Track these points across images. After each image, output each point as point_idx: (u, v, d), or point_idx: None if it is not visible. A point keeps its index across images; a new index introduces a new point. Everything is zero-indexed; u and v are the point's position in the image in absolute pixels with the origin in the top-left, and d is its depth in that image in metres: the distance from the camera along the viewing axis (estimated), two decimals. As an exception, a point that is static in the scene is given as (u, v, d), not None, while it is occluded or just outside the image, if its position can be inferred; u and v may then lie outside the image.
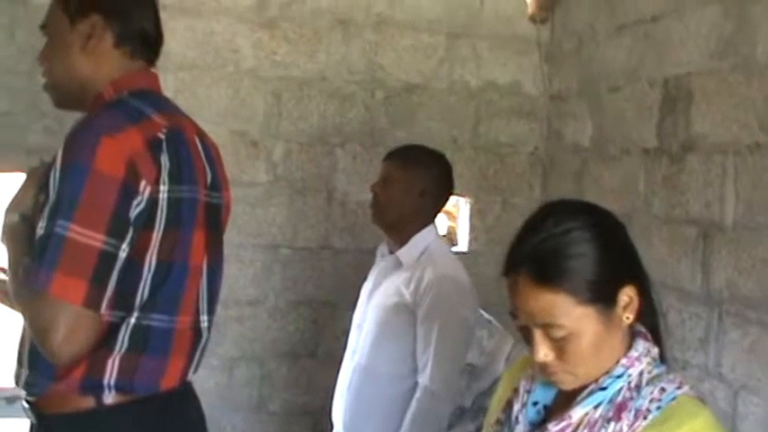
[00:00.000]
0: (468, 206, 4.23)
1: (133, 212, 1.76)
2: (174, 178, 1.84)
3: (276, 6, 4.02)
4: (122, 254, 1.75)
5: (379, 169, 3.02)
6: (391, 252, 2.96)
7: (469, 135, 4.19)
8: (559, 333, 1.46)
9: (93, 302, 1.72)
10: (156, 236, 1.81)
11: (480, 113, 4.21)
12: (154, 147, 1.81)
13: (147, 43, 2.01)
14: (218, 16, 3.97)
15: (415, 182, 2.88)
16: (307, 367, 4.07)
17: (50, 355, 1.75)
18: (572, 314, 1.45)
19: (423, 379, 2.75)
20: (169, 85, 3.75)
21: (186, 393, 2.00)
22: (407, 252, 2.88)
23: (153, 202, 1.79)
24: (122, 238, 1.74)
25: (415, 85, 4.13)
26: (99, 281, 1.72)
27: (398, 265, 2.90)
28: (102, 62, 1.95)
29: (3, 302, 1.99)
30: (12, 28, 3.91)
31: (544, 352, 1.48)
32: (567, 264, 1.46)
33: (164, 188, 1.81)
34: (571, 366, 1.49)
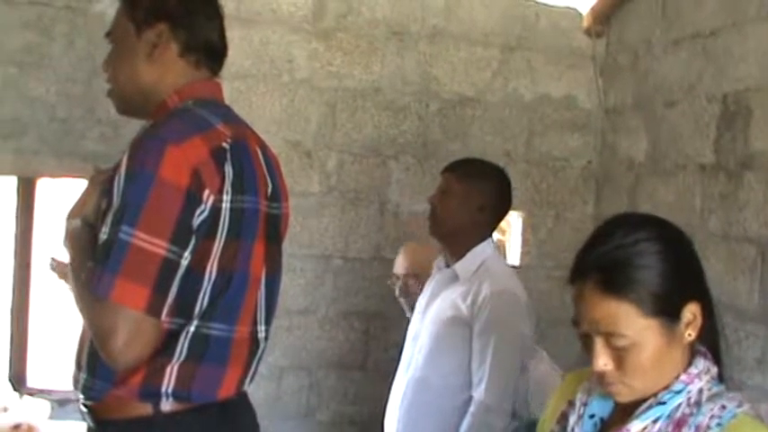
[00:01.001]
0: (520, 220, 4.20)
1: (196, 221, 1.77)
2: (237, 188, 1.84)
3: (332, 17, 4.04)
4: (184, 262, 1.76)
5: (434, 181, 3.01)
6: (448, 265, 2.95)
7: (523, 148, 4.18)
8: (621, 343, 1.45)
9: (154, 309, 1.73)
10: (218, 245, 1.82)
11: (534, 127, 4.19)
12: (218, 156, 1.82)
13: (212, 54, 2.02)
14: (274, 26, 4.00)
15: (474, 195, 2.86)
16: (355, 378, 4.07)
17: (109, 360, 1.75)
18: (635, 325, 1.45)
19: (477, 393, 2.73)
20: (224, 94, 3.79)
21: (242, 403, 2.01)
22: (464, 265, 2.86)
23: (216, 211, 1.80)
24: (185, 247, 1.75)
25: (468, 97, 4.12)
26: (161, 288, 1.73)
27: (455, 278, 2.88)
28: (167, 71, 1.96)
29: (67, 283, 1.99)
30: (71, 36, 3.98)
31: (604, 361, 1.48)
32: (635, 274, 1.46)
33: (226, 198, 1.82)
34: (629, 378, 1.48)
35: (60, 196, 4.26)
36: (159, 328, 1.77)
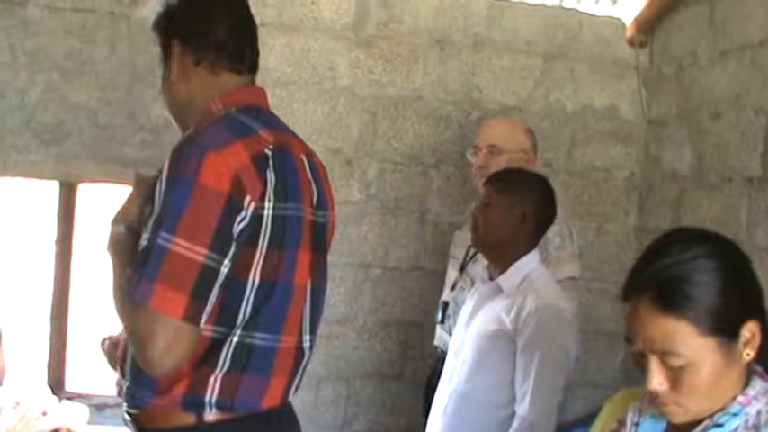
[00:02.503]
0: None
1: (237, 228, 1.76)
2: (280, 195, 1.83)
3: (374, 25, 4.03)
4: (224, 269, 1.75)
5: (474, 191, 2.98)
6: (491, 278, 2.91)
7: (564, 159, 4.14)
8: (677, 362, 1.42)
9: (192, 316, 1.72)
10: (260, 253, 1.81)
11: (576, 137, 4.15)
12: (260, 163, 1.81)
13: (226, 54, 2.01)
14: (316, 34, 4.00)
15: (516, 207, 2.82)
16: (392, 388, 4.04)
17: (147, 367, 1.75)
18: (692, 344, 1.41)
19: (521, 410, 2.68)
20: (266, 101, 3.82)
21: (286, 413, 1.99)
22: (508, 278, 2.81)
23: (257, 218, 1.79)
24: (225, 254, 1.74)
25: (510, 106, 4.09)
26: (199, 295, 1.72)
27: (498, 291, 2.83)
28: (193, 83, 2.00)
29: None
30: (113, 42, 4.00)
31: (659, 380, 1.44)
32: (692, 291, 1.42)
33: (269, 205, 1.81)
34: (684, 398, 1.45)
35: (101, 201, 4.30)
36: (198, 335, 1.75)
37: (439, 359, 3.53)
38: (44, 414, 3.95)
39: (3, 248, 5.94)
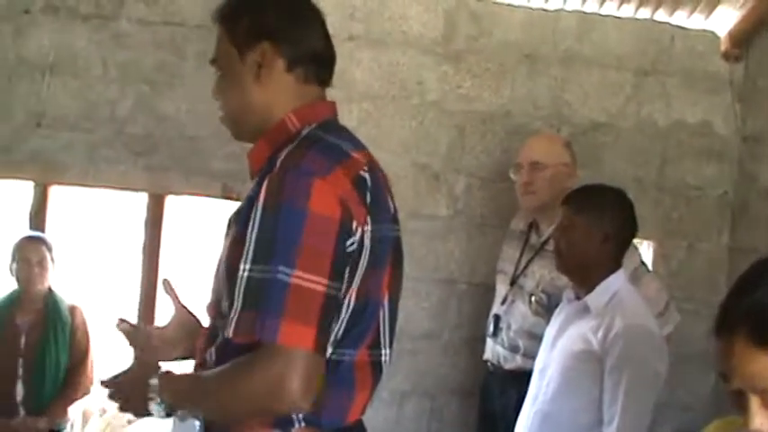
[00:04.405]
0: (651, 250, 4.07)
1: (348, 253, 1.75)
2: (375, 217, 1.80)
3: (462, 39, 4.00)
4: (340, 295, 1.73)
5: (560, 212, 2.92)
6: (577, 298, 2.86)
7: (655, 176, 4.05)
8: None
9: (320, 347, 1.69)
10: (359, 275, 1.79)
11: (668, 154, 4.06)
12: (359, 186, 1.78)
13: (320, 63, 1.96)
14: (405, 48, 3.98)
15: (597, 227, 2.77)
16: (476, 405, 3.99)
17: (290, 406, 1.69)
18: None
19: None
20: (353, 115, 3.82)
21: (360, 428, 1.97)
22: (596, 298, 2.76)
23: (361, 242, 1.76)
24: (341, 280, 1.72)
25: (600, 122, 4.02)
26: (324, 325, 1.69)
27: (585, 310, 2.78)
28: (277, 89, 1.90)
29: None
30: (202, 55, 4.00)
31: (761, 421, 1.36)
32: None
33: (368, 228, 1.78)
34: None
35: (188, 213, 4.34)
36: (324, 364, 1.73)
37: (489, 373, 3.53)
38: (129, 423, 4.00)
39: (92, 257, 6.04)
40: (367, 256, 1.78)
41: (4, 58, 4.10)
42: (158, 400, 1.83)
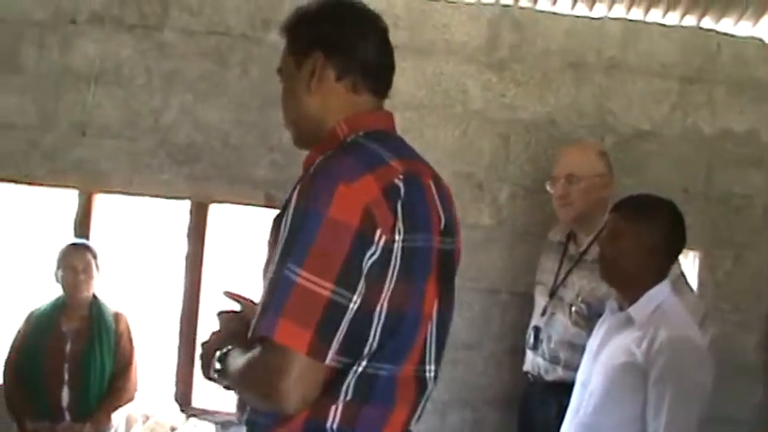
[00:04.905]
0: (696, 260, 4.02)
1: (367, 263, 1.72)
2: (409, 227, 1.78)
3: (506, 47, 3.99)
4: (352, 305, 1.70)
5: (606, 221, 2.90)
6: (621, 308, 2.83)
7: (702, 185, 3.99)
8: None
9: (316, 352, 1.68)
10: (388, 286, 1.76)
11: (714, 163, 4.00)
12: (391, 194, 1.76)
13: (370, 74, 1.96)
14: (448, 57, 3.98)
15: (645, 237, 2.73)
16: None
17: (275, 402, 1.70)
18: None
19: None
20: (397, 124, 3.78)
21: None
22: (640, 309, 2.73)
23: (387, 251, 1.74)
24: (353, 289, 1.70)
25: (645, 131, 3.98)
26: (324, 330, 1.68)
27: (629, 322, 2.75)
28: (328, 98, 1.93)
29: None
30: (245, 65, 4.07)
31: None
32: None
33: (398, 237, 1.76)
34: None
35: (231, 220, 4.36)
36: (323, 372, 1.72)
37: (530, 384, 3.51)
38: (172, 430, 4.03)
39: (136, 265, 6.09)
40: (396, 267, 1.76)
41: (50, 67, 4.16)
42: (218, 366, 1.91)
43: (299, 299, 1.67)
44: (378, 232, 1.72)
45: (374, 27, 1.99)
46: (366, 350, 1.77)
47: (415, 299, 1.82)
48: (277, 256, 1.71)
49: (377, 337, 1.78)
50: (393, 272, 1.76)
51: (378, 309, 1.76)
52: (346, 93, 1.94)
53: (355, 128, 1.91)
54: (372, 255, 1.72)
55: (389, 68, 2.01)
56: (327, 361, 1.71)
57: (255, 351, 1.73)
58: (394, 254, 1.75)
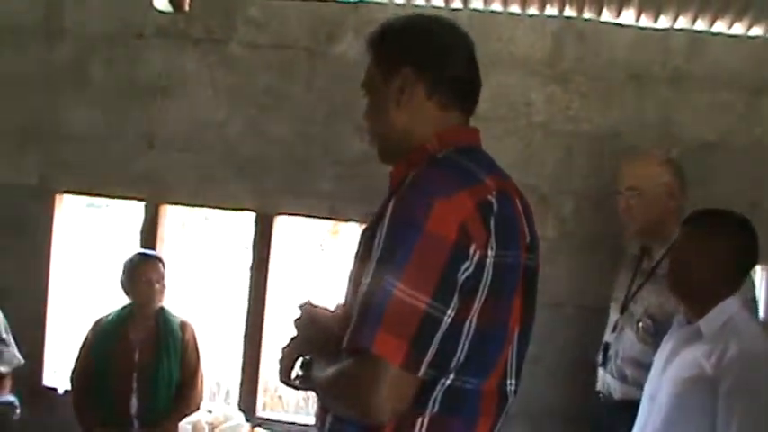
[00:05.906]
0: (765, 275, 3.97)
1: (461, 277, 1.74)
2: (501, 243, 1.80)
3: (570, 60, 3.98)
4: (447, 318, 1.72)
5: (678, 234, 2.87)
6: (689, 322, 2.81)
7: (770, 198, 3.94)
8: None
9: (411, 365, 1.70)
10: (479, 300, 1.78)
11: (782, 176, 3.95)
12: (484, 211, 1.78)
13: (460, 92, 1.98)
14: (512, 69, 3.98)
15: (716, 251, 2.70)
16: (581, 430, 3.95)
17: (365, 414, 1.72)
18: None
19: None
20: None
21: None
22: (709, 322, 2.69)
23: (480, 267, 1.76)
24: (448, 303, 1.72)
25: (711, 143, 3.94)
26: (419, 343, 1.70)
27: (698, 335, 2.71)
28: (417, 115, 1.93)
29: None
30: (310, 78, 4.11)
31: None
32: None
33: (491, 253, 1.78)
34: None
35: (296, 233, 4.40)
36: (417, 384, 1.73)
37: (600, 404, 3.46)
38: (238, 438, 4.07)
39: (202, 275, 6.16)
40: (488, 283, 1.78)
41: (118, 80, 4.24)
42: (300, 373, 1.96)
43: (397, 311, 1.68)
44: (473, 247, 1.74)
45: (463, 43, 2.01)
46: (454, 363, 1.78)
47: (503, 314, 1.84)
48: (372, 269, 1.73)
49: (465, 351, 1.79)
50: (484, 287, 1.77)
51: (467, 323, 1.77)
52: (435, 108, 1.94)
53: (446, 143, 1.92)
54: (467, 269, 1.74)
55: (477, 84, 2.03)
56: (420, 374, 1.73)
57: (350, 361, 1.74)
58: (486, 269, 1.77)
